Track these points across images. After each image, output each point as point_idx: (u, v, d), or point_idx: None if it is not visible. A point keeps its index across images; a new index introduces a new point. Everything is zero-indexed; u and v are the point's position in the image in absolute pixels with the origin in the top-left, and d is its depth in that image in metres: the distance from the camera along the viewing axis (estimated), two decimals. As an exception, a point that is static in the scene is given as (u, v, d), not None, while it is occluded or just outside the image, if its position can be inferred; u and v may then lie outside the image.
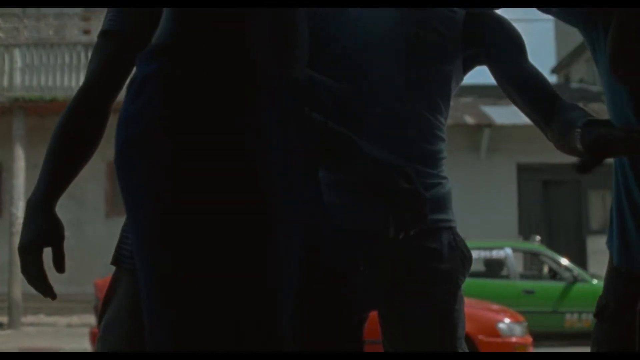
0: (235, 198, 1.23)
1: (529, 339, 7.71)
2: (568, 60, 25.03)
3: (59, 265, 1.58)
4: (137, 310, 1.45)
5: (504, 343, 7.45)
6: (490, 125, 14.64)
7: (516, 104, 1.92)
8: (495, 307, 8.16)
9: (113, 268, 1.68)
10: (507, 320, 7.63)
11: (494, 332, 7.46)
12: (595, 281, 11.44)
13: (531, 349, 7.69)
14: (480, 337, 7.36)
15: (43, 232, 1.58)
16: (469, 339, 7.36)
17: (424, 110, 1.82)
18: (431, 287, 1.78)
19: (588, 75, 22.34)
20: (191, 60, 1.27)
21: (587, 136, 1.58)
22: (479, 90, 17.78)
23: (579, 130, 1.60)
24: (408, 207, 1.52)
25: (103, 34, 1.66)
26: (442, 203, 1.83)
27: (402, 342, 1.82)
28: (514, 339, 7.51)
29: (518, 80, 1.89)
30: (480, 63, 1.92)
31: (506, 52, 1.91)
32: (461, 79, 1.92)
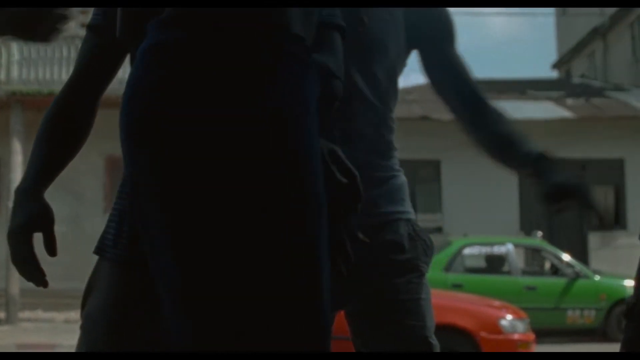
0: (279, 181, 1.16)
1: (532, 336, 7.61)
2: (569, 55, 24.96)
3: (51, 249, 1.55)
4: (120, 301, 1.47)
5: (506, 340, 7.35)
6: (491, 120, 14.48)
7: (442, 92, 1.98)
8: (496, 303, 8.07)
9: None
10: (509, 316, 7.53)
11: (496, 329, 7.36)
12: (597, 277, 11.38)
13: (534, 346, 7.59)
14: (482, 334, 7.26)
15: (32, 217, 1.55)
16: (470, 336, 7.30)
17: (373, 99, 1.80)
18: (395, 279, 1.77)
19: (589, 70, 22.30)
20: (208, 29, 1.19)
21: (545, 187, 1.75)
22: (480, 85, 17.66)
23: (536, 178, 1.78)
24: (341, 192, 1.44)
25: (89, 28, 1.67)
26: (397, 195, 1.82)
27: (373, 337, 1.80)
28: (516, 336, 7.41)
29: (453, 71, 1.95)
30: (417, 47, 1.93)
31: (442, 41, 1.93)
32: (404, 66, 1.92)
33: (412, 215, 1.86)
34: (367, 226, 1.64)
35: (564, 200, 1.79)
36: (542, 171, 1.85)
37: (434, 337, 1.80)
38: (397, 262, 1.79)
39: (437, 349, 1.81)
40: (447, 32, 1.97)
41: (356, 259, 1.66)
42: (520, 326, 7.51)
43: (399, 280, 1.78)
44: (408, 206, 1.86)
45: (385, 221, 1.76)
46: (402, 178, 1.88)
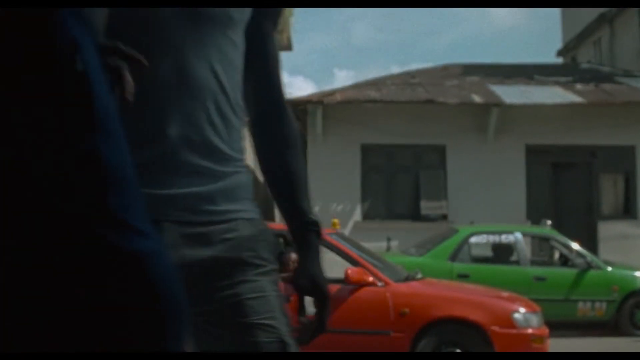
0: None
1: (546, 330, 7.18)
2: (575, 42, 24.60)
3: None
4: None
5: (519, 335, 6.92)
6: (499, 104, 14.07)
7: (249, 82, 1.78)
8: (505, 294, 7.62)
9: None
10: (522, 309, 7.08)
11: (509, 322, 6.92)
12: (609, 268, 10.95)
13: (548, 342, 7.15)
14: (494, 328, 6.83)
15: None
16: (481, 330, 6.87)
17: (212, 83, 1.64)
18: (237, 278, 1.65)
19: (595, 57, 21.93)
20: None
21: (304, 277, 1.76)
22: (485, 69, 17.26)
23: (297, 248, 1.78)
24: None
25: None
26: (238, 193, 1.69)
27: (227, 341, 1.65)
28: (530, 330, 6.97)
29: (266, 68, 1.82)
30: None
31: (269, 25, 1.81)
32: (248, 52, 1.75)
33: (255, 215, 1.72)
34: (200, 223, 1.58)
35: (309, 296, 1.77)
36: (307, 248, 1.79)
37: (288, 335, 1.68)
38: (236, 261, 1.65)
39: (293, 348, 1.67)
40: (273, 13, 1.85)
41: (194, 261, 1.56)
42: (534, 320, 7.06)
43: (242, 278, 1.65)
44: (250, 205, 1.71)
45: (224, 220, 1.63)
46: (247, 176, 1.74)
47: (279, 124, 1.81)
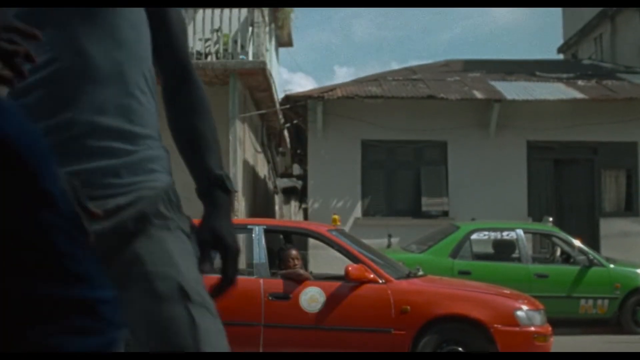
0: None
1: (549, 328, 7.09)
2: (575, 38, 24.48)
3: None
4: None
5: (522, 333, 6.83)
6: (500, 100, 13.97)
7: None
8: (507, 291, 7.52)
9: None
10: (525, 307, 6.98)
11: (512, 320, 6.82)
12: (612, 266, 10.86)
13: (551, 340, 7.06)
14: (497, 325, 6.74)
15: None
16: (484, 327, 6.78)
17: (112, 64, 1.63)
18: (140, 237, 1.64)
19: (596, 54, 21.81)
20: None
21: (206, 231, 1.72)
22: (486, 65, 17.16)
23: (204, 205, 1.75)
24: None
25: None
26: (146, 165, 1.67)
27: (135, 304, 1.60)
28: (532, 328, 6.88)
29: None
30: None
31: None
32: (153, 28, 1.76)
33: (162, 183, 1.69)
34: (104, 196, 1.57)
35: (214, 251, 1.75)
36: (212, 205, 1.77)
37: (191, 284, 1.62)
38: (137, 223, 1.63)
39: (196, 296, 1.61)
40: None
41: (99, 233, 1.49)
42: (537, 318, 6.97)
43: (142, 237, 1.63)
44: (159, 176, 1.69)
45: (126, 192, 1.61)
46: (158, 151, 1.71)
47: (185, 89, 1.82)
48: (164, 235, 1.66)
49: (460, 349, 6.77)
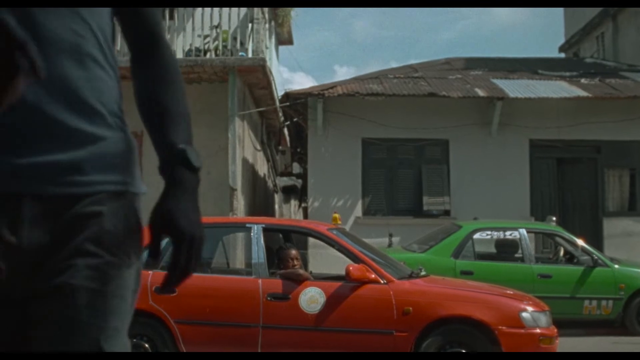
0: None
1: (554, 330, 6.93)
2: (577, 38, 24.36)
3: None
4: None
5: (527, 335, 6.66)
6: (502, 98, 13.79)
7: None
8: (509, 291, 7.36)
9: None
10: (530, 308, 6.82)
11: (517, 322, 6.66)
12: (616, 266, 10.70)
13: (557, 342, 6.89)
14: (502, 327, 6.57)
15: None
16: (488, 329, 6.62)
17: (70, 35, 1.48)
18: (75, 261, 1.45)
19: (598, 52, 21.69)
20: None
21: (158, 211, 1.54)
22: (489, 63, 17.00)
23: (165, 180, 1.56)
24: None
25: None
26: (111, 160, 1.51)
27: (36, 333, 1.45)
28: (538, 330, 6.72)
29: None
30: None
31: None
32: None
33: (135, 188, 1.54)
34: (59, 198, 1.42)
35: (163, 233, 1.54)
36: (170, 183, 1.57)
37: (114, 342, 1.47)
38: (81, 243, 1.45)
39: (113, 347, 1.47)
40: None
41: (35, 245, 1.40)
42: (543, 319, 6.81)
43: (81, 263, 1.44)
44: (128, 176, 1.53)
45: (84, 193, 1.44)
46: (125, 142, 1.54)
47: (150, 56, 1.68)
48: (105, 276, 1.47)
49: (463, 351, 6.60)
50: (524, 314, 6.71)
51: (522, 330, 6.65)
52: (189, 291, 6.93)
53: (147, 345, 6.93)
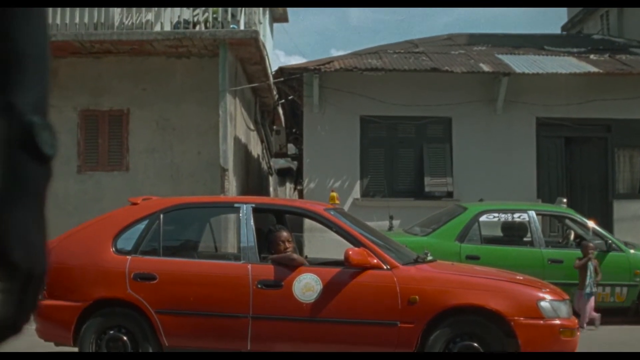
0: None
1: (575, 322, 6.30)
2: (580, 16, 23.80)
3: None
4: None
5: (546, 326, 6.02)
6: (508, 73, 13.13)
7: None
8: (519, 277, 6.73)
9: None
10: (549, 297, 6.16)
11: (535, 312, 6.01)
12: (632, 251, 10.09)
13: (578, 334, 6.25)
14: (518, 318, 5.93)
15: None
16: (503, 320, 5.97)
17: None
18: None
19: (603, 32, 21.09)
20: None
21: None
22: (493, 39, 16.34)
23: None
24: None
25: None
26: None
27: None
28: (558, 321, 6.06)
29: None
30: None
31: None
32: None
33: None
34: None
35: None
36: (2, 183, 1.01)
37: None
38: None
39: None
40: None
41: None
42: (563, 309, 6.17)
43: None
44: None
45: None
46: None
47: None
48: None
49: (475, 344, 5.95)
50: (543, 303, 6.05)
51: (541, 322, 6.00)
52: (171, 278, 6.31)
53: (125, 338, 6.30)
